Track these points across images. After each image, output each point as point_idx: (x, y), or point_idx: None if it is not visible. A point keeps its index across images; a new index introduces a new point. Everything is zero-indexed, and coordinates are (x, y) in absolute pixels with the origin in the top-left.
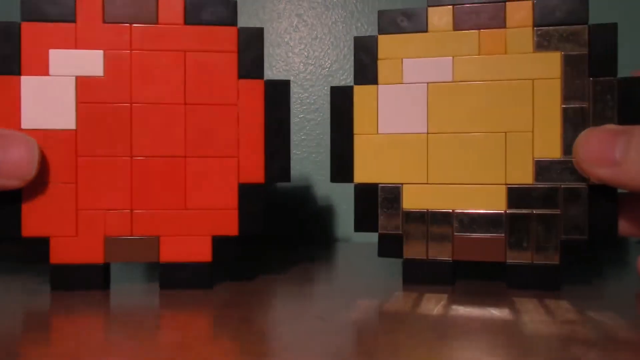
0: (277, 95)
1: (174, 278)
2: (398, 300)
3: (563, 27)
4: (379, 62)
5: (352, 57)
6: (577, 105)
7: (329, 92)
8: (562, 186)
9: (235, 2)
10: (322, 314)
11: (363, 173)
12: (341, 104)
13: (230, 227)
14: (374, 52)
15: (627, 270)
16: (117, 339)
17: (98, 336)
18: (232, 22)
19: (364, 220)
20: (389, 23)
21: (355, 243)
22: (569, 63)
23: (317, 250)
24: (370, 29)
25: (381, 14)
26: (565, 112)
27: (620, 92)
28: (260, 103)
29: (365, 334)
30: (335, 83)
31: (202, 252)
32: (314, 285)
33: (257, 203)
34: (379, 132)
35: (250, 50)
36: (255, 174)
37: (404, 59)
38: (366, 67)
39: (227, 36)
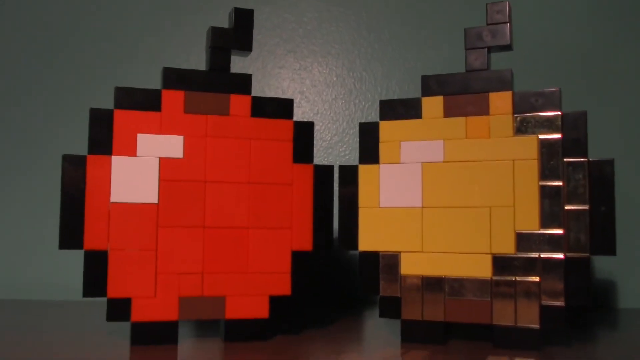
0: (324, 178)
1: (237, 332)
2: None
3: (539, 114)
4: (380, 145)
5: (351, 131)
6: (553, 184)
7: (328, 163)
8: (541, 256)
9: (292, 101)
10: None
11: (367, 242)
12: (348, 180)
13: (284, 288)
14: (376, 136)
15: (615, 336)
16: None
17: None
18: (289, 116)
19: (368, 284)
20: (389, 111)
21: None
22: (544, 146)
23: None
24: (367, 106)
25: (382, 103)
26: (542, 189)
27: (591, 172)
28: (310, 184)
29: None
30: (335, 155)
31: (261, 309)
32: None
33: (306, 267)
34: (380, 205)
35: (303, 139)
36: (305, 243)
37: (401, 142)
38: (369, 149)
39: (285, 128)
